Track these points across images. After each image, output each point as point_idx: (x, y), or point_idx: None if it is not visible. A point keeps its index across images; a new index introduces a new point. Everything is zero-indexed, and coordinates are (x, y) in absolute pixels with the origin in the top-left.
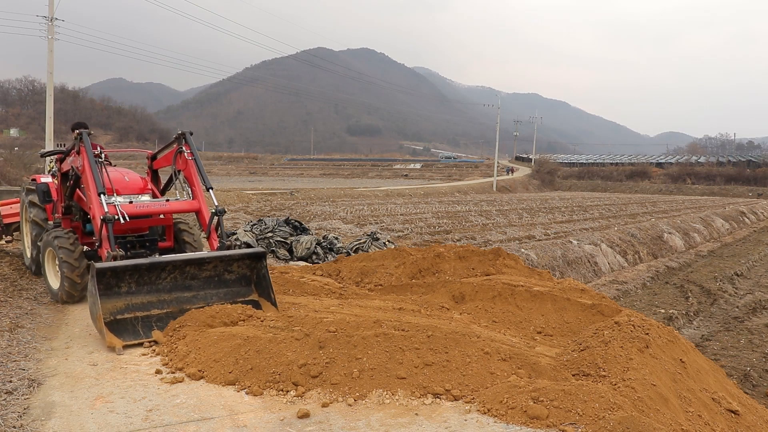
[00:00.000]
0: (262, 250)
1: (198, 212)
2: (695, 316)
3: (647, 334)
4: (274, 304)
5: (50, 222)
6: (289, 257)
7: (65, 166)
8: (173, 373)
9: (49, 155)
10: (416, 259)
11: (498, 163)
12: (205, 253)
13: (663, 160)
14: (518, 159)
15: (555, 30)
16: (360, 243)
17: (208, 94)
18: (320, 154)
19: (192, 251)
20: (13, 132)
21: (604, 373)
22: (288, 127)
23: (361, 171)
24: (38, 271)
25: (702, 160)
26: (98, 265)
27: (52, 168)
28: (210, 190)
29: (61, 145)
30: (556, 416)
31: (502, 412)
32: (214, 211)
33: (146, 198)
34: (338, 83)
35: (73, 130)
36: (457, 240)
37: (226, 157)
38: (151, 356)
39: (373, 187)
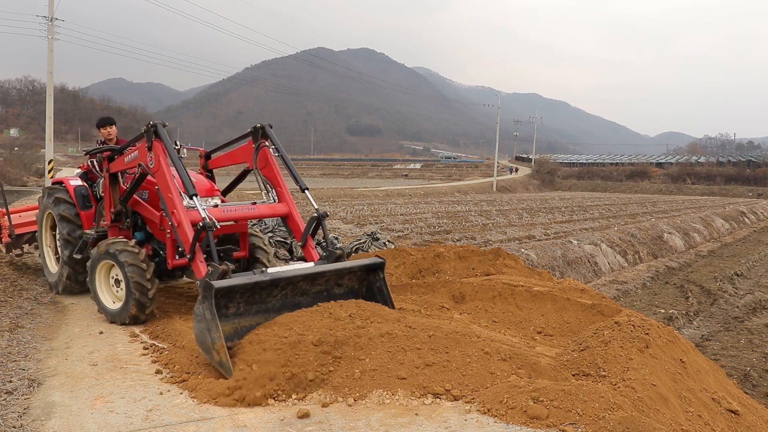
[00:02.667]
0: (381, 260)
1: (287, 217)
2: (695, 316)
3: (647, 334)
4: None
5: (88, 231)
6: (289, 257)
7: (117, 166)
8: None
9: (95, 153)
10: (416, 259)
11: (498, 163)
12: (325, 265)
13: (663, 160)
14: (518, 159)
15: (555, 30)
16: (360, 243)
17: (208, 94)
18: (320, 154)
19: (264, 260)
20: (13, 132)
21: (604, 373)
22: (288, 127)
23: (361, 171)
24: (67, 289)
25: (702, 160)
26: (217, 283)
27: (92, 167)
28: (306, 191)
29: (101, 142)
30: (556, 416)
31: (502, 412)
32: (316, 215)
33: (216, 201)
34: (338, 83)
35: (98, 127)
36: (457, 240)
37: None
38: (152, 356)
39: (373, 187)
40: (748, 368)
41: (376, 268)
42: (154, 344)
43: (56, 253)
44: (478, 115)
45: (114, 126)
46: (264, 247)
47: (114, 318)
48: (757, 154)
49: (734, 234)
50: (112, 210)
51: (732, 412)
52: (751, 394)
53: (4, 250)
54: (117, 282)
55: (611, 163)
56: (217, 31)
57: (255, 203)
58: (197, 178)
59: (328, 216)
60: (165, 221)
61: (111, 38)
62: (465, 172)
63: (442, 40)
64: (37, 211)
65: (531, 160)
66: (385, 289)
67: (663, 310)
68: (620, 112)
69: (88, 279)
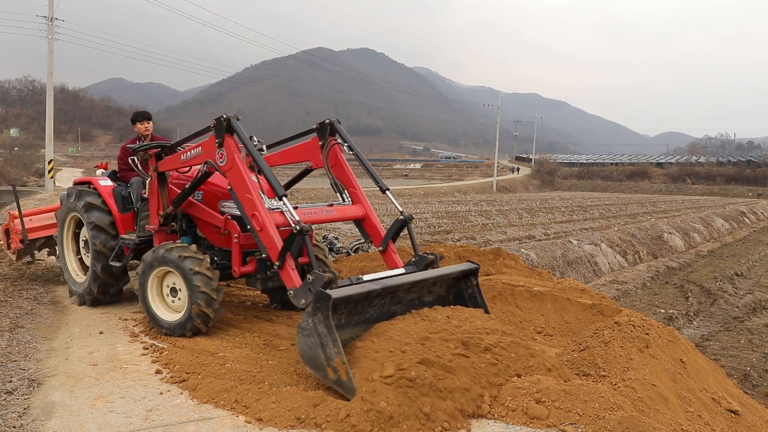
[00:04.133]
0: (476, 265)
1: (363, 220)
2: (695, 316)
3: (647, 334)
4: None
5: (126, 236)
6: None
7: (168, 164)
8: None
9: (143, 149)
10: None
11: (498, 163)
12: (426, 272)
13: (663, 160)
14: (518, 159)
15: (555, 30)
16: (360, 243)
17: (208, 94)
18: None
19: (321, 266)
20: (13, 132)
21: (604, 373)
22: (288, 127)
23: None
24: (97, 302)
25: (702, 160)
26: (335, 293)
27: (132, 165)
28: (387, 192)
29: (138, 138)
30: (556, 416)
31: (502, 413)
32: (401, 218)
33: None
34: (338, 83)
35: (134, 122)
36: (457, 240)
37: None
38: (152, 356)
39: (373, 187)
40: (748, 368)
41: (469, 274)
42: (154, 344)
43: (80, 258)
44: (478, 115)
45: (151, 121)
46: (323, 251)
47: (172, 331)
48: (757, 154)
49: (734, 234)
50: (161, 212)
51: (732, 412)
52: (751, 394)
53: (14, 257)
54: (173, 291)
55: (611, 163)
56: (217, 31)
57: (332, 205)
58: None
59: (413, 219)
60: (230, 225)
61: (111, 38)
62: (465, 172)
63: (442, 40)
64: (51, 213)
65: (531, 160)
66: (479, 296)
67: (663, 310)
68: (620, 112)
69: (136, 288)
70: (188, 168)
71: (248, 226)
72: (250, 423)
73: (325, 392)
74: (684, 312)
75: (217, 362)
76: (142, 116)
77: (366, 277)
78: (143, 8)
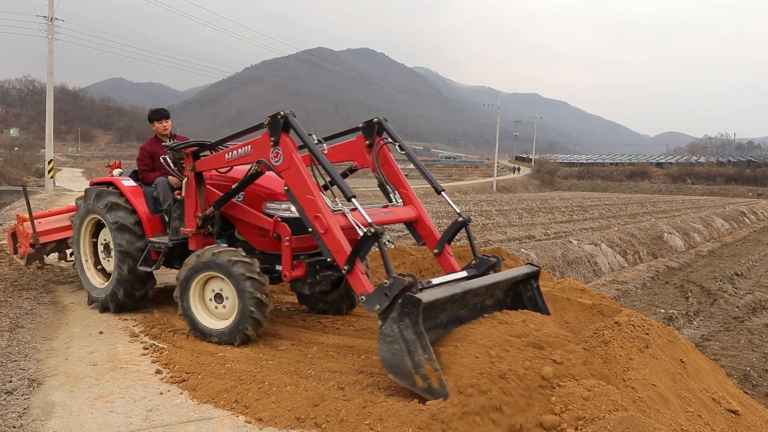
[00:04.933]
0: (537, 267)
1: (416, 221)
2: (695, 316)
3: (647, 334)
4: None
5: (156, 240)
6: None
7: (209, 164)
8: None
9: (181, 147)
10: (416, 258)
11: (498, 163)
12: (499, 275)
13: (663, 160)
14: (518, 159)
15: (555, 30)
16: None
17: (208, 94)
18: None
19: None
20: (13, 132)
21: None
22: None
23: (361, 171)
24: (121, 307)
25: (702, 160)
26: (425, 297)
27: (164, 164)
28: (442, 192)
29: (157, 136)
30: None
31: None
32: (460, 219)
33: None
34: (338, 83)
35: (152, 120)
36: (457, 240)
37: None
38: (152, 356)
39: (373, 187)
40: (748, 368)
41: (530, 277)
42: (154, 344)
43: (97, 263)
44: (478, 115)
45: (169, 119)
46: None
47: (220, 339)
48: (757, 154)
49: (734, 234)
50: (199, 214)
51: (732, 412)
52: (751, 394)
53: (22, 262)
54: (218, 297)
55: (611, 163)
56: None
57: (387, 206)
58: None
59: (471, 221)
60: (281, 227)
61: (111, 38)
62: (465, 172)
63: (442, 40)
64: (62, 216)
65: (531, 160)
66: (539, 299)
67: (663, 310)
68: (620, 112)
69: (176, 294)
70: (228, 168)
71: (309, 229)
72: (250, 423)
73: (325, 392)
74: (684, 312)
75: (217, 362)
76: (159, 114)
77: (434, 281)
78: (143, 8)
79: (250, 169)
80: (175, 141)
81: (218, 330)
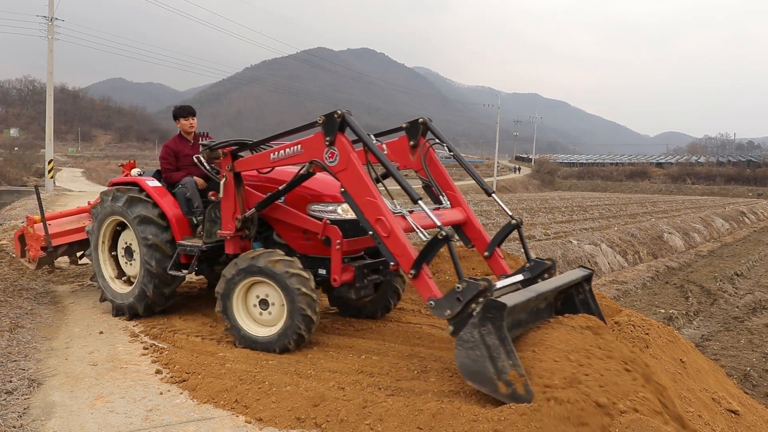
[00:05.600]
0: (590, 270)
1: (465, 224)
2: (695, 316)
3: (647, 334)
4: None
5: (187, 243)
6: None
7: (251, 164)
8: None
9: (220, 146)
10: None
11: (498, 163)
12: (561, 277)
13: (663, 160)
14: (518, 159)
15: (554, 30)
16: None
17: (208, 94)
18: None
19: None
20: (13, 132)
21: None
22: (288, 127)
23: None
24: (151, 307)
25: (702, 160)
26: (508, 301)
27: (198, 164)
28: (493, 195)
29: (182, 134)
30: None
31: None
32: (514, 222)
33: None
34: (338, 83)
35: (177, 118)
36: (457, 240)
37: None
38: (152, 356)
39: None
40: (748, 368)
41: (583, 280)
42: (154, 344)
43: (117, 268)
44: (478, 115)
45: (195, 117)
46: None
47: (264, 348)
48: (757, 154)
49: (734, 234)
50: (238, 216)
51: (732, 412)
52: (751, 394)
53: (31, 266)
54: (264, 303)
55: (611, 163)
56: (217, 31)
57: (438, 208)
58: (328, 178)
59: (523, 223)
60: (331, 230)
61: (111, 38)
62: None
63: (442, 40)
64: (74, 217)
65: (531, 160)
66: (592, 302)
67: (663, 310)
68: (620, 112)
69: (220, 301)
70: (269, 168)
71: (369, 233)
72: (250, 423)
73: (325, 392)
74: (684, 312)
75: (217, 362)
76: (186, 111)
77: (498, 284)
78: (143, 8)
79: (301, 169)
80: (211, 140)
81: (265, 339)
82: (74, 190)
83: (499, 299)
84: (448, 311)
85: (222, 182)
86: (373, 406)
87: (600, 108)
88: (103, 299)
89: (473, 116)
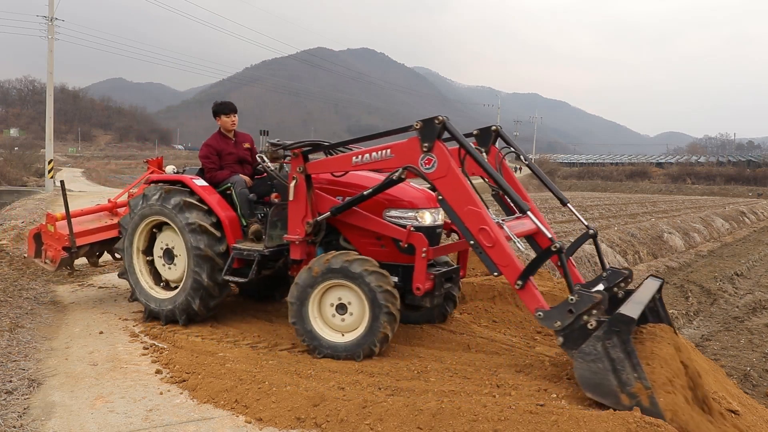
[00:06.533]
0: (661, 279)
1: (537, 234)
2: (695, 316)
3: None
4: None
5: (239, 246)
6: None
7: (325, 167)
8: None
9: (294, 147)
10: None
11: None
12: (649, 288)
13: (663, 160)
14: (518, 159)
15: (554, 30)
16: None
17: (208, 94)
18: None
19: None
20: (13, 132)
21: None
22: (288, 127)
23: None
24: (195, 316)
25: (702, 160)
26: (633, 313)
27: (260, 162)
28: (568, 204)
29: (221, 131)
30: None
31: None
32: (591, 232)
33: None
34: (338, 83)
35: (218, 114)
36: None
37: None
38: (152, 356)
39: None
40: (748, 368)
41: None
42: (154, 344)
43: (153, 272)
44: (478, 115)
45: (237, 114)
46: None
47: (343, 353)
48: (757, 154)
49: (734, 234)
50: (309, 220)
51: (732, 412)
52: (751, 394)
53: (50, 267)
54: (342, 307)
55: (611, 163)
56: (217, 31)
57: (520, 218)
58: (407, 185)
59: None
60: (416, 237)
61: (111, 38)
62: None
63: (442, 40)
64: (94, 215)
65: (531, 160)
66: (662, 310)
67: None
68: (620, 112)
69: (294, 306)
70: (343, 172)
71: (471, 242)
72: (250, 423)
73: (325, 392)
74: (684, 312)
75: (217, 362)
76: (227, 108)
77: (594, 290)
78: (143, 8)
79: (391, 174)
80: (273, 142)
81: (344, 343)
82: (74, 190)
83: (626, 313)
84: (558, 323)
85: (292, 184)
86: (373, 406)
87: (600, 108)
88: (133, 299)
89: (473, 116)
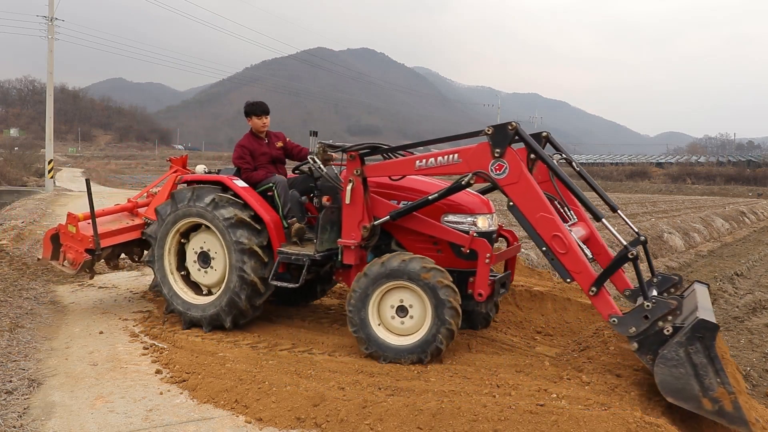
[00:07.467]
0: (706, 284)
1: (588, 240)
2: None
3: None
4: None
5: (286, 250)
6: None
7: (386, 170)
8: None
9: (350, 150)
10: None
11: None
12: (703, 293)
13: (663, 160)
14: None
15: (554, 30)
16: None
17: (208, 94)
18: None
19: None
20: (13, 132)
21: None
22: (288, 127)
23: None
24: (240, 318)
25: (702, 160)
26: (711, 318)
27: (311, 164)
28: (618, 212)
29: (252, 132)
30: None
31: None
32: (642, 238)
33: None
34: (338, 83)
35: (250, 115)
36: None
37: (227, 157)
38: (152, 356)
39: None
40: (748, 368)
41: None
42: (154, 344)
43: (185, 276)
44: (478, 115)
45: (269, 115)
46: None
47: (408, 356)
48: (757, 154)
49: (734, 234)
50: (366, 225)
51: None
52: (751, 394)
53: (69, 271)
54: (402, 309)
55: (611, 163)
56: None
57: (575, 224)
58: (473, 193)
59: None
60: (479, 243)
61: (111, 38)
62: None
63: (442, 40)
64: (115, 216)
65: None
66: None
67: None
68: (620, 112)
69: (352, 309)
70: (400, 176)
71: (542, 249)
72: (250, 423)
73: (325, 392)
74: None
75: (217, 362)
76: (259, 109)
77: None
78: (143, 8)
79: (460, 180)
80: (329, 144)
81: (402, 346)
82: (74, 190)
83: (709, 320)
84: (633, 329)
85: (349, 187)
86: (373, 406)
87: (600, 108)
88: (169, 310)
89: (473, 116)
